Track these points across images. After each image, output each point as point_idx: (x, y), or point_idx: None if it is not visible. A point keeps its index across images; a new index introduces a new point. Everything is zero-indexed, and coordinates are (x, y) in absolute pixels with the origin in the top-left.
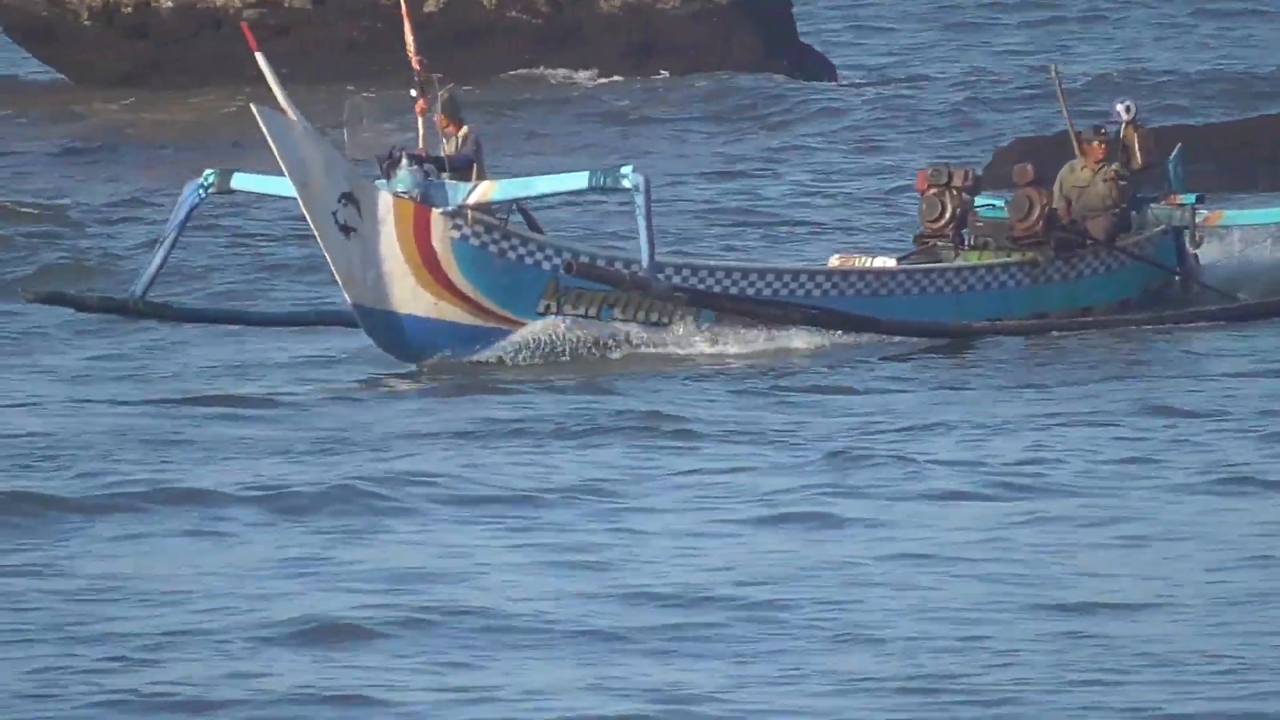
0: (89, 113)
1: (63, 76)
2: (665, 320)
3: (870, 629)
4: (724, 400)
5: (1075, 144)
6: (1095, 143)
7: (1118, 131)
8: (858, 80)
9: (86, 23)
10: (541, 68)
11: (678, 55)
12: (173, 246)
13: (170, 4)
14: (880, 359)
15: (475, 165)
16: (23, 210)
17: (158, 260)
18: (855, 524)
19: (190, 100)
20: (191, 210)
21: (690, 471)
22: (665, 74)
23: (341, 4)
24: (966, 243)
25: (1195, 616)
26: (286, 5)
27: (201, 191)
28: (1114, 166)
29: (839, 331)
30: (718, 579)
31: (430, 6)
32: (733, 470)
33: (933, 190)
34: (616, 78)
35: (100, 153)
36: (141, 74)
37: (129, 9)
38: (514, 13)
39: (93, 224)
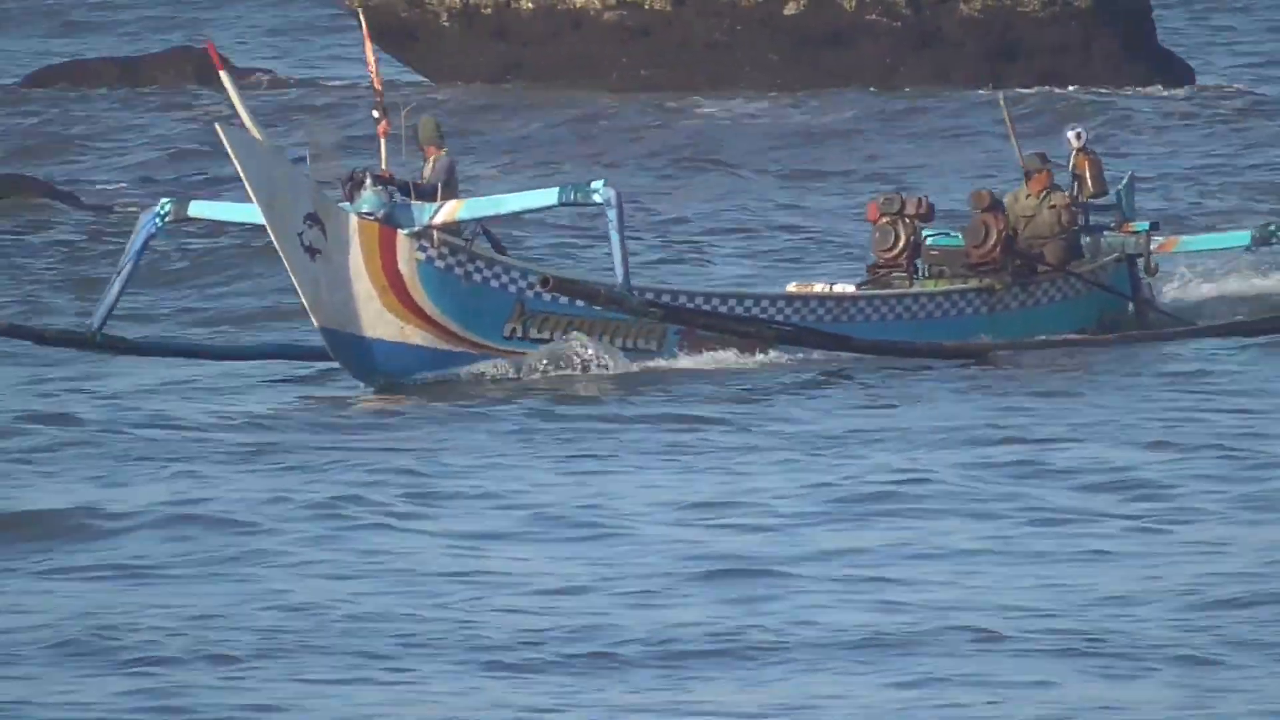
0: (449, 111)
1: (422, 78)
2: (630, 344)
3: None
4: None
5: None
6: (1040, 171)
7: (1068, 158)
8: (1219, 85)
9: (446, 24)
10: (901, 70)
11: (1037, 59)
12: (129, 277)
13: (530, 5)
14: (842, 379)
15: (439, 186)
16: None
17: (114, 292)
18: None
19: (550, 99)
20: (148, 239)
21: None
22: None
23: (701, 5)
24: (921, 272)
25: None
26: (647, 7)
27: (158, 220)
28: (1063, 193)
29: (812, 350)
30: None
31: (790, 9)
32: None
33: (885, 219)
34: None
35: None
36: (500, 74)
37: (488, 10)
38: (873, 15)
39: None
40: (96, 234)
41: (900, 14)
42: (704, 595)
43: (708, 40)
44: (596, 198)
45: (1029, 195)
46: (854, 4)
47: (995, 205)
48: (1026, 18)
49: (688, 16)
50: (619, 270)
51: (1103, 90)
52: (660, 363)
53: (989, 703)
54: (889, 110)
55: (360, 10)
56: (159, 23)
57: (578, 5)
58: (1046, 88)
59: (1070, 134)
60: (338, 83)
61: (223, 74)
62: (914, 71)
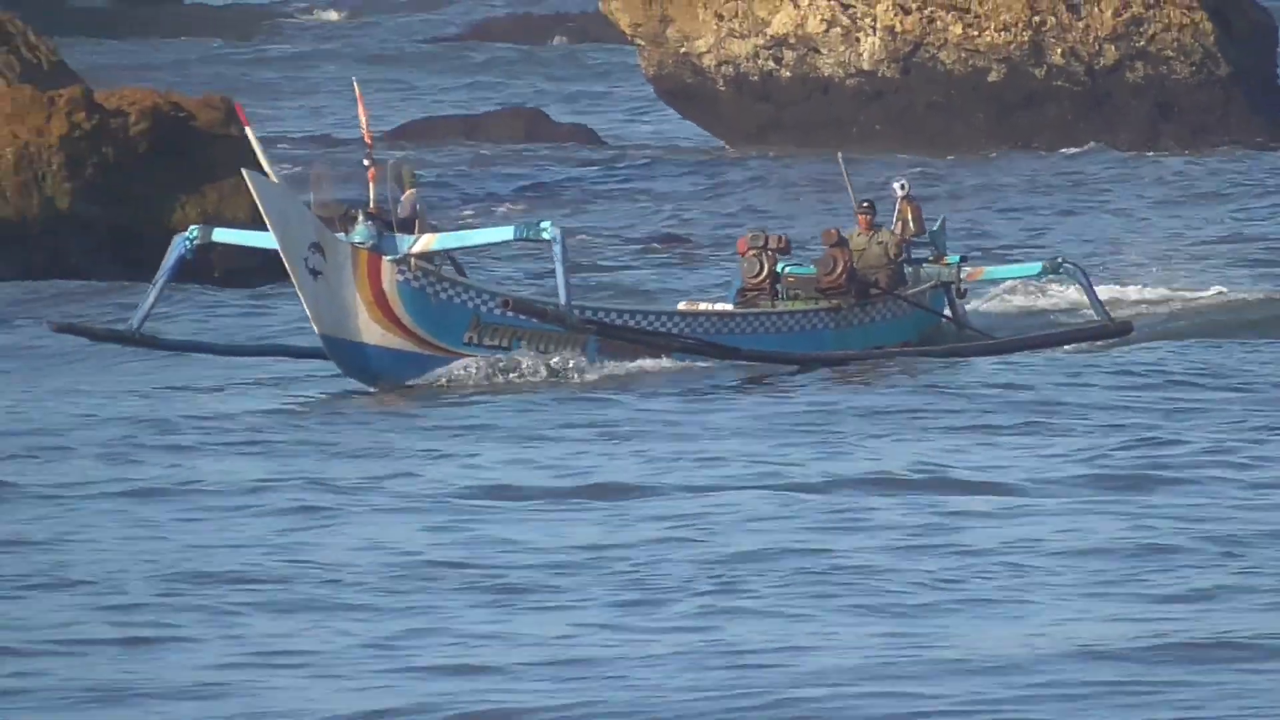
0: (725, 161)
1: (703, 132)
2: (559, 353)
3: None
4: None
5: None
6: (864, 216)
7: (895, 205)
8: None
9: (722, 89)
10: (1080, 126)
11: (1187, 117)
12: (162, 290)
13: (788, 74)
14: (728, 385)
15: (417, 221)
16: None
17: (150, 299)
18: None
19: (801, 154)
20: (179, 259)
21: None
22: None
23: (923, 74)
24: (780, 295)
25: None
26: (880, 75)
27: (187, 243)
28: (890, 230)
29: (710, 357)
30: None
31: (993, 77)
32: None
33: (752, 251)
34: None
35: (734, 195)
36: (764, 131)
37: (755, 78)
38: (1060, 82)
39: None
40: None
41: (1080, 80)
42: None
43: (928, 102)
44: (545, 235)
45: (860, 234)
46: (1043, 73)
47: (841, 242)
48: (1178, 83)
49: (912, 83)
50: (562, 293)
51: (1239, 146)
52: (581, 366)
53: None
54: (1063, 166)
55: (355, 85)
56: (496, 87)
57: (825, 74)
58: (1189, 153)
59: (895, 185)
60: (638, 140)
61: (248, 129)
62: (1090, 127)
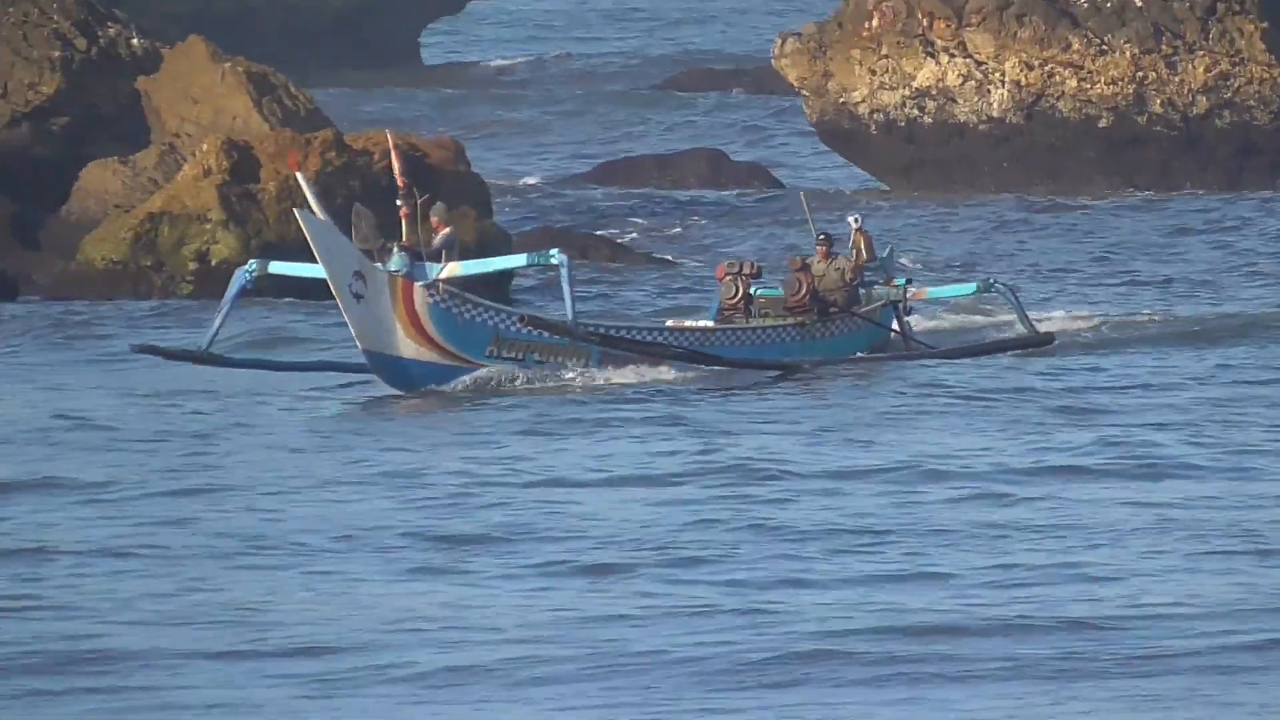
0: (876, 197)
1: (858, 170)
2: (567, 364)
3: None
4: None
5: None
6: (822, 247)
7: (849, 235)
8: None
9: (874, 133)
10: (1174, 165)
11: (1268, 158)
12: (226, 316)
13: (929, 120)
14: (701, 389)
15: (445, 252)
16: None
17: (216, 324)
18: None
19: (938, 194)
20: (241, 289)
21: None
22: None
23: (1043, 120)
24: (753, 313)
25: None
26: (1007, 121)
27: (247, 275)
28: (847, 258)
29: (700, 365)
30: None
31: (1103, 123)
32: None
33: (728, 276)
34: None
35: (881, 220)
36: (909, 169)
37: (902, 123)
38: (1159, 127)
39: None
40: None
41: (1176, 126)
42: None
43: (1047, 144)
44: (554, 260)
45: (820, 261)
46: (1145, 120)
47: (805, 267)
48: (1259, 129)
49: (1034, 128)
50: (569, 310)
51: None
52: (587, 373)
53: None
54: (1156, 203)
55: (390, 135)
56: (681, 130)
57: (961, 120)
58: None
59: (850, 219)
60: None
61: (298, 174)
62: (1184, 166)
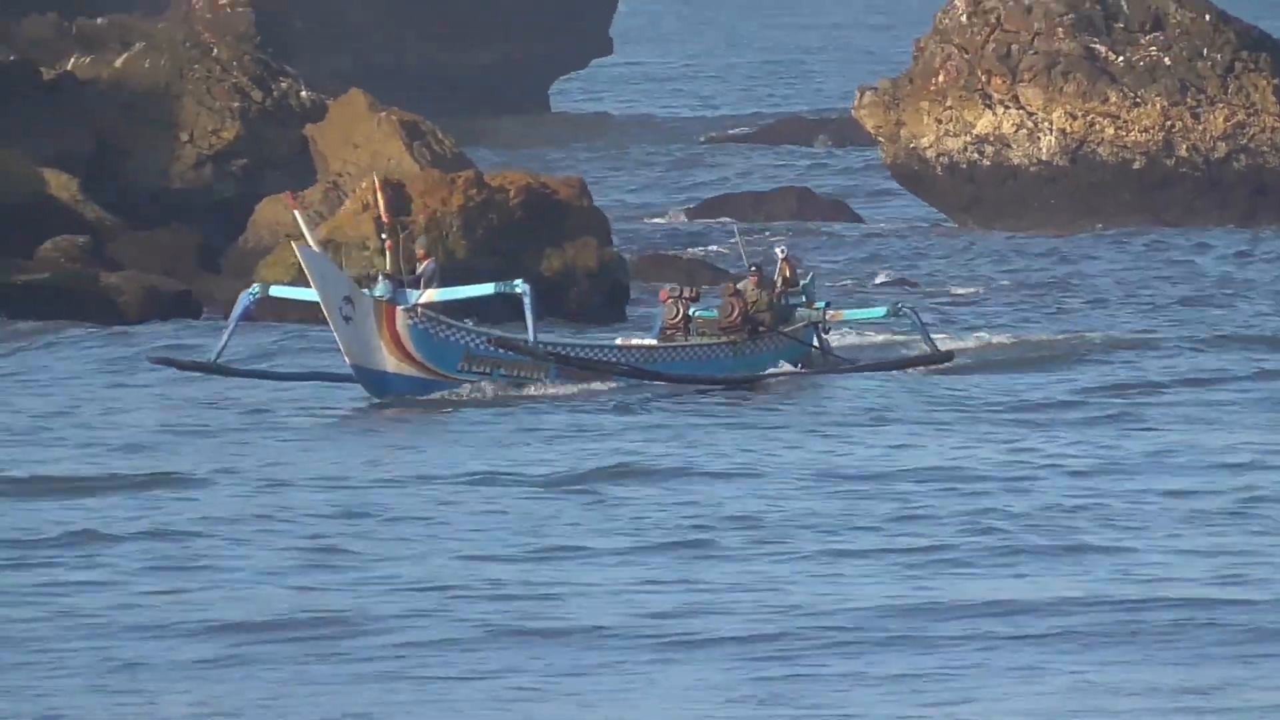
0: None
1: (927, 206)
2: (528, 378)
3: None
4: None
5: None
6: (754, 275)
7: (777, 263)
8: None
9: (939, 174)
10: (1196, 204)
11: (1277, 199)
12: (233, 333)
13: (987, 163)
14: (640, 400)
15: (424, 281)
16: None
17: (225, 338)
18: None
19: (995, 227)
20: (245, 309)
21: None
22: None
23: (1085, 163)
24: (692, 332)
25: None
26: (1054, 164)
27: (251, 297)
28: (773, 284)
29: (639, 380)
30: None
31: (1137, 165)
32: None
33: (670, 299)
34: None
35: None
36: (969, 205)
37: (964, 166)
38: (1184, 169)
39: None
40: None
41: (1199, 168)
42: None
43: (1089, 184)
44: (518, 289)
45: (752, 288)
46: (1173, 163)
47: (738, 292)
48: (1272, 171)
49: (1078, 170)
50: (531, 332)
51: None
52: (545, 384)
53: None
54: (1181, 243)
55: (376, 178)
56: (772, 171)
57: (1015, 163)
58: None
59: (777, 249)
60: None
61: (296, 213)
62: (1205, 204)
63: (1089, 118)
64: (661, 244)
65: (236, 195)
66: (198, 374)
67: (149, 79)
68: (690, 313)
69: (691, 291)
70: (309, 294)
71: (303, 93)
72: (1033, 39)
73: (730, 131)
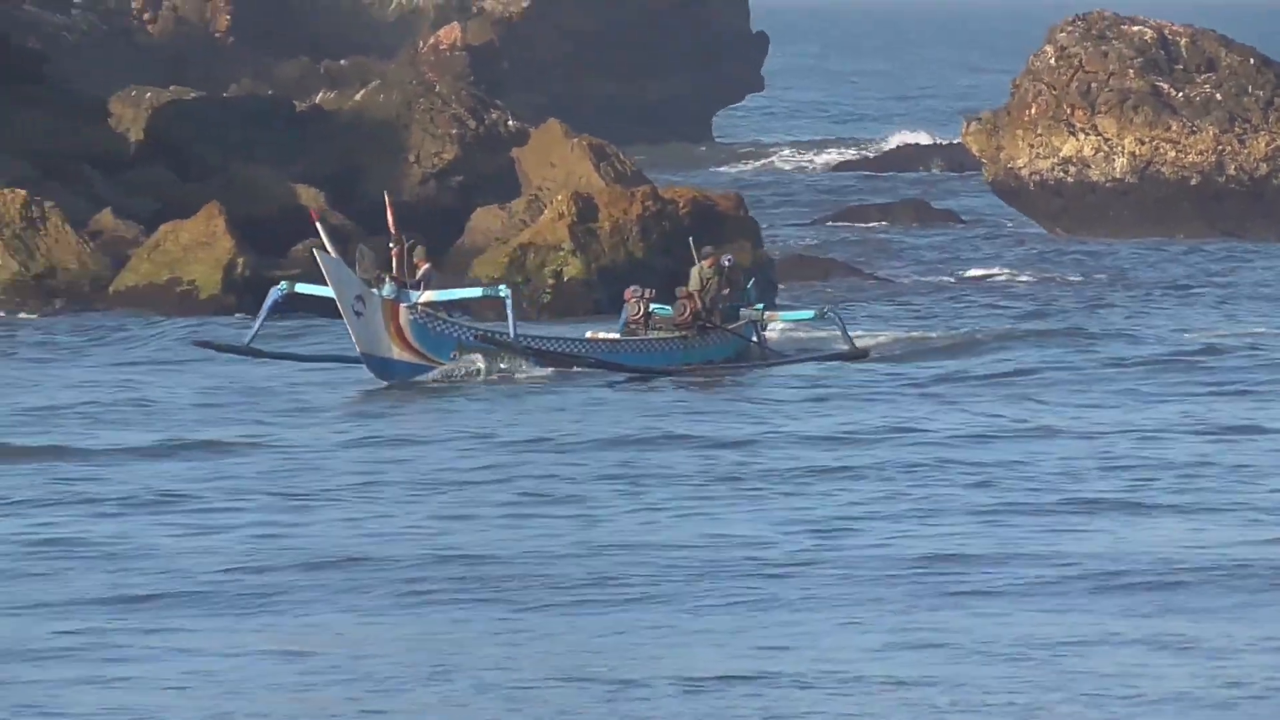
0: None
1: (1023, 216)
2: (512, 366)
3: None
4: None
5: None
6: (712, 257)
7: (724, 271)
8: None
9: (1032, 189)
10: (1242, 217)
11: None
12: (262, 324)
13: (1071, 180)
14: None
15: (424, 284)
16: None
17: (256, 326)
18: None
19: (1079, 234)
20: (273, 304)
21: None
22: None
23: (1152, 181)
24: (650, 328)
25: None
26: (1126, 180)
27: (278, 292)
28: (723, 281)
29: (604, 370)
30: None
31: (1194, 182)
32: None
33: (633, 299)
34: None
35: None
36: (1056, 215)
37: (1052, 182)
38: (1233, 186)
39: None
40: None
41: (1245, 185)
42: None
43: (1154, 199)
44: (501, 293)
45: (708, 267)
46: (1223, 180)
47: (690, 294)
48: None
49: (1145, 186)
50: (511, 329)
51: None
52: (525, 372)
53: None
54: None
55: (388, 196)
56: (892, 189)
57: (1094, 179)
58: None
59: (724, 260)
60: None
61: (318, 224)
62: (1252, 216)
63: (1154, 143)
64: (803, 247)
65: (455, 206)
66: (234, 355)
67: (383, 110)
68: (649, 310)
69: (650, 292)
70: (327, 292)
71: (509, 122)
72: (1108, 78)
73: (859, 154)
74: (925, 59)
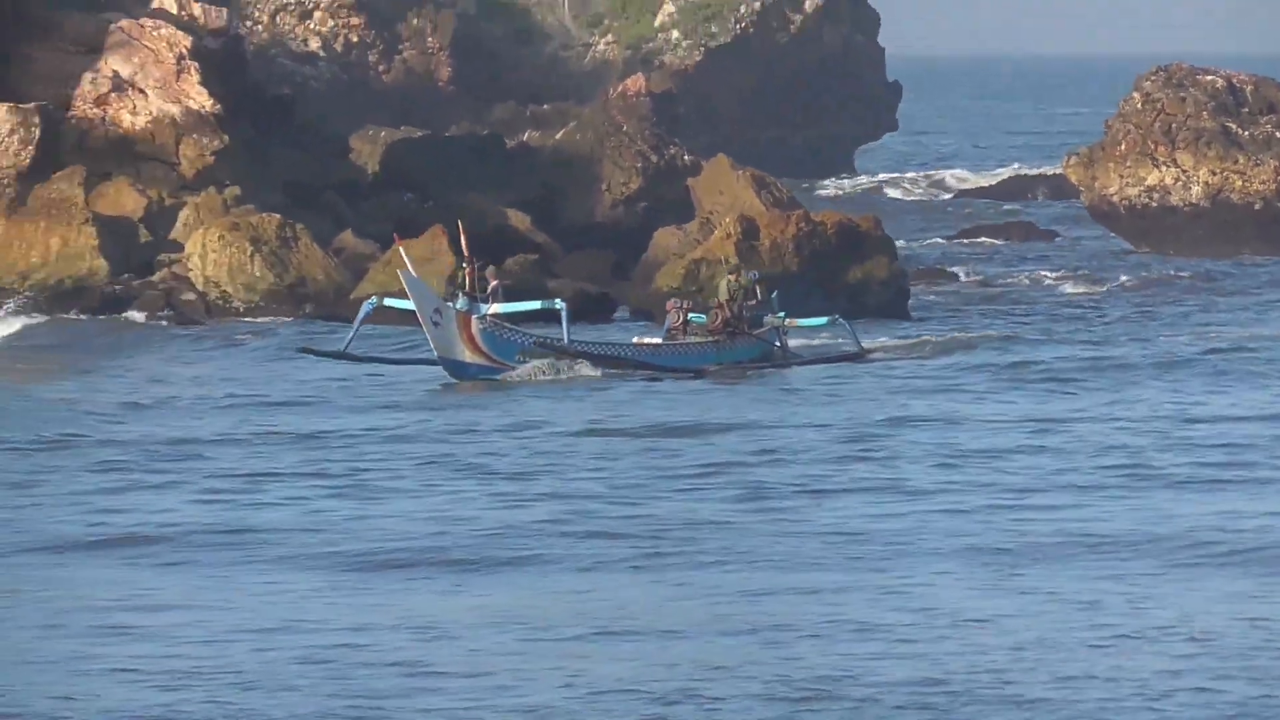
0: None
1: (1114, 236)
2: (570, 367)
3: None
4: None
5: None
6: (735, 273)
7: (754, 283)
8: None
9: (1123, 212)
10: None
11: None
12: (356, 333)
13: (1155, 204)
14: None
15: (492, 298)
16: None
17: (351, 334)
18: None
19: (1163, 250)
20: (366, 315)
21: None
22: None
23: (1222, 205)
24: (688, 334)
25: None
26: (1199, 205)
27: (370, 305)
28: (750, 277)
29: (648, 370)
30: None
31: (1257, 207)
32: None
33: (673, 310)
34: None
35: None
36: (1142, 233)
37: (1139, 206)
38: (1251, 206)
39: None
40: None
41: (1259, 209)
42: None
43: (1224, 221)
44: (557, 305)
45: (735, 281)
46: (1245, 205)
47: (722, 305)
48: None
49: (1217, 210)
50: (565, 336)
51: None
52: (580, 371)
53: None
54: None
55: (461, 224)
56: (1013, 212)
57: (1173, 204)
58: None
59: (751, 273)
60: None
61: (399, 248)
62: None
63: (1224, 174)
64: (926, 261)
65: (639, 227)
66: (331, 359)
67: (580, 147)
68: (688, 319)
69: (688, 304)
70: (409, 305)
71: (684, 157)
72: (1185, 119)
73: (977, 185)
74: (1046, 102)
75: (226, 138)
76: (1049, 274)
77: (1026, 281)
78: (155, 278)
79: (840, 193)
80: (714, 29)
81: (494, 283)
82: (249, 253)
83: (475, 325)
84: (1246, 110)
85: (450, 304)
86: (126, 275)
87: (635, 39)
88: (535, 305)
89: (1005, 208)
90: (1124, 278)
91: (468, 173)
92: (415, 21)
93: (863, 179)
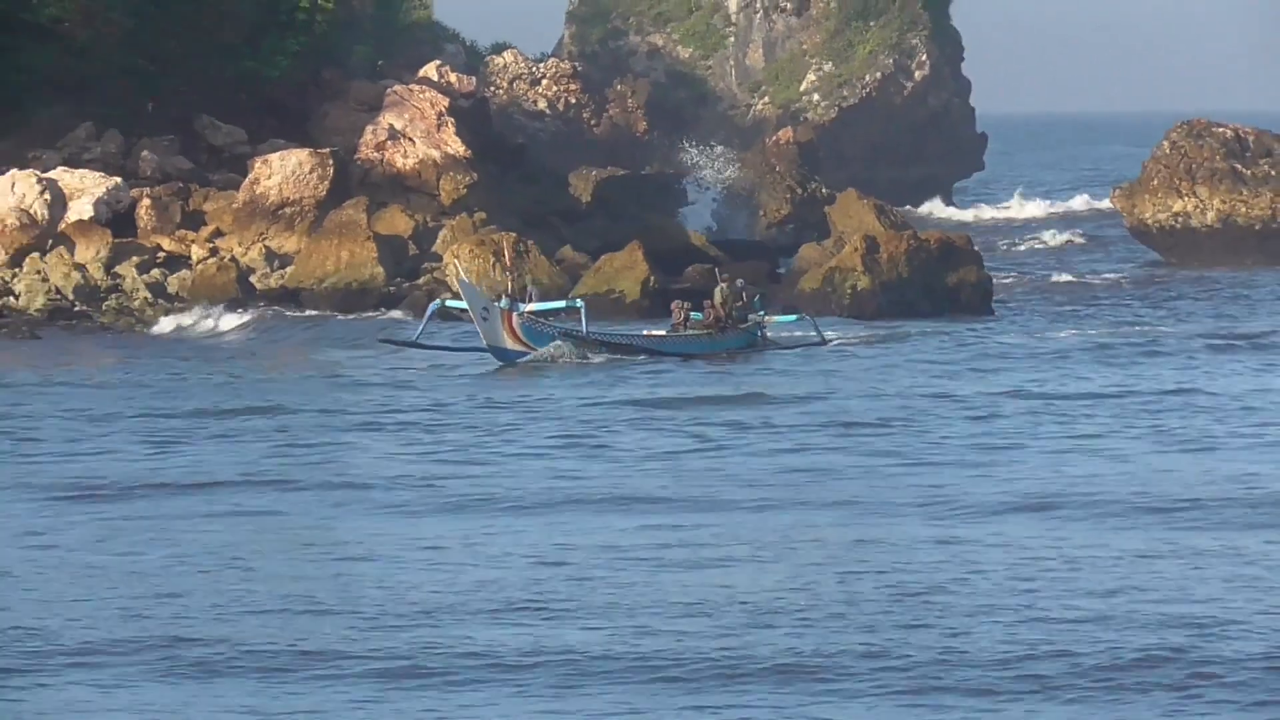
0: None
1: (1151, 250)
2: (588, 355)
3: None
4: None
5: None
6: (724, 280)
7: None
8: None
9: (1155, 232)
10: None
11: None
12: (424, 328)
13: (1180, 226)
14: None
15: (529, 298)
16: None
17: (421, 327)
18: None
19: (1187, 263)
20: (432, 314)
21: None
22: None
23: (1233, 226)
24: (687, 328)
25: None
26: (1216, 227)
27: (436, 304)
28: (734, 287)
29: (654, 356)
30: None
31: (1258, 228)
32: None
33: (677, 309)
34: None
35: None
36: (1171, 249)
37: (1169, 228)
38: (1252, 228)
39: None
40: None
41: (1257, 227)
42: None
43: (1232, 238)
44: (577, 304)
45: (724, 287)
46: (1278, 226)
47: (714, 305)
48: None
49: (1231, 230)
50: (584, 328)
51: None
52: (597, 358)
53: None
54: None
55: (507, 239)
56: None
57: (1194, 227)
58: None
59: (738, 281)
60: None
61: (456, 260)
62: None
63: (1232, 203)
64: (1009, 269)
65: (788, 244)
66: (404, 348)
67: (743, 182)
68: (688, 316)
69: (689, 305)
70: (465, 305)
71: (823, 189)
72: (1203, 161)
73: (1047, 212)
74: (1100, 148)
75: (475, 175)
76: (1095, 278)
77: (1082, 282)
78: (420, 281)
79: (942, 217)
80: (845, 93)
81: (530, 288)
82: (491, 262)
83: (515, 320)
84: (1250, 154)
85: (496, 303)
86: (398, 279)
87: (785, 100)
88: (561, 304)
89: (1064, 229)
90: (1156, 282)
91: (658, 202)
92: (619, 87)
93: (955, 208)
